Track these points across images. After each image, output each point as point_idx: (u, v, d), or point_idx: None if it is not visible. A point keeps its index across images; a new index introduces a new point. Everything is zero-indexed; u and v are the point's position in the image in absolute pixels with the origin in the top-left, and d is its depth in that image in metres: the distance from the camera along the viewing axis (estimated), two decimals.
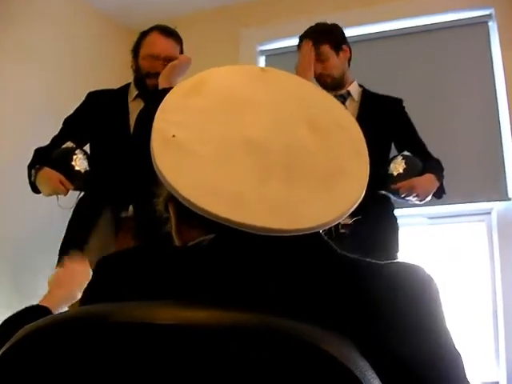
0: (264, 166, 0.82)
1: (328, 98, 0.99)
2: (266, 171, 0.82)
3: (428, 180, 2.71)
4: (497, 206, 3.26)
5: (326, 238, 0.89)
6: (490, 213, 3.29)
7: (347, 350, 0.70)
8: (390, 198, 2.80)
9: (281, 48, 3.72)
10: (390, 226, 2.79)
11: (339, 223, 2.55)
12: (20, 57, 3.27)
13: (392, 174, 2.70)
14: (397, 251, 2.76)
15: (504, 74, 3.28)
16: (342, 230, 2.69)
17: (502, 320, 3.08)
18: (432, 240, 3.40)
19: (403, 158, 2.73)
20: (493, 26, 3.40)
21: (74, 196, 2.69)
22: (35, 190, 2.66)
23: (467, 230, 3.39)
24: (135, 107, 2.70)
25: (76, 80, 3.47)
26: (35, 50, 3.37)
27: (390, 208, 2.83)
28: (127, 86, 2.89)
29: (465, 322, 3.22)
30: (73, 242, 2.58)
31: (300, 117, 0.91)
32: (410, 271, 0.87)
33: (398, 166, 2.70)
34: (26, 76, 3.28)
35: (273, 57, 3.83)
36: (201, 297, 0.78)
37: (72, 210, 2.68)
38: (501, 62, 3.30)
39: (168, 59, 2.70)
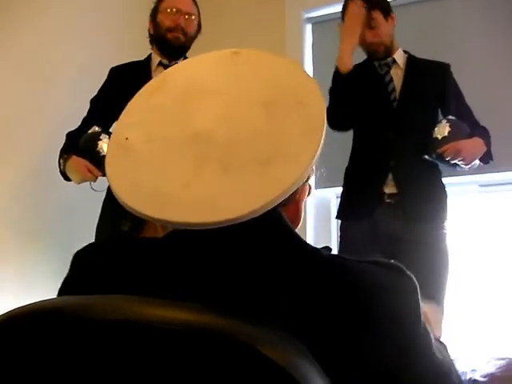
0: (202, 159, 0.83)
1: (298, 74, 0.95)
2: (202, 164, 0.82)
3: (475, 143, 2.65)
4: None
5: (287, 227, 0.88)
6: None
7: (289, 351, 0.70)
8: (437, 165, 2.74)
9: (328, 15, 3.62)
10: (437, 195, 2.73)
11: (384, 193, 2.55)
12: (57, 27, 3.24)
13: (437, 138, 2.64)
14: (444, 220, 2.71)
15: None
16: (388, 200, 2.65)
17: None
18: (483, 208, 3.31)
19: (448, 121, 2.66)
20: None
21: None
22: (66, 178, 2.68)
23: None
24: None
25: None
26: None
27: (437, 176, 2.77)
28: (149, 56, 2.89)
29: None
30: (108, 223, 2.61)
31: (259, 99, 0.89)
32: (390, 274, 0.85)
33: (442, 130, 2.64)
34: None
35: (319, 24, 3.75)
36: (152, 292, 0.78)
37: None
38: None
39: (189, 14, 2.76)
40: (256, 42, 3.83)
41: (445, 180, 3.02)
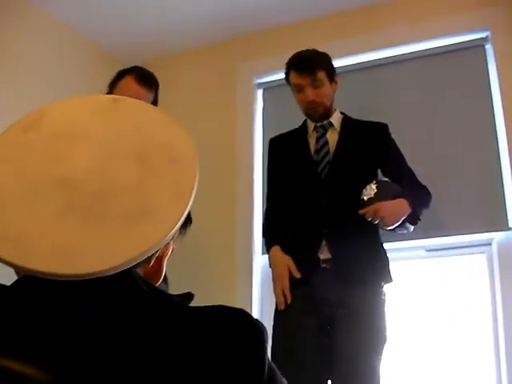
0: (67, 206, 0.81)
1: (172, 128, 0.95)
2: (66, 212, 0.81)
3: (396, 204, 2.63)
4: (497, 237, 3.12)
5: (136, 278, 0.86)
6: (490, 244, 3.16)
7: None
8: (376, 229, 2.72)
9: (279, 80, 3.64)
10: (374, 259, 2.70)
11: (319, 258, 2.54)
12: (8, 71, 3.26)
13: (363, 199, 2.64)
14: (382, 284, 2.67)
15: (501, 98, 3.16)
16: (323, 265, 2.63)
17: (503, 355, 2.94)
18: (431, 273, 3.28)
19: (375, 183, 2.67)
20: (489, 49, 3.30)
21: None
22: None
23: (467, 262, 3.25)
24: None
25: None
26: (23, 68, 3.38)
27: (375, 239, 2.75)
28: None
29: (466, 356, 3.08)
30: None
31: (132, 151, 0.88)
32: (234, 320, 0.85)
33: (369, 191, 2.64)
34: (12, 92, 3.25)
35: (271, 89, 3.79)
36: None
37: None
38: (498, 87, 3.19)
39: None
40: (207, 106, 3.88)
41: (391, 245, 3.02)
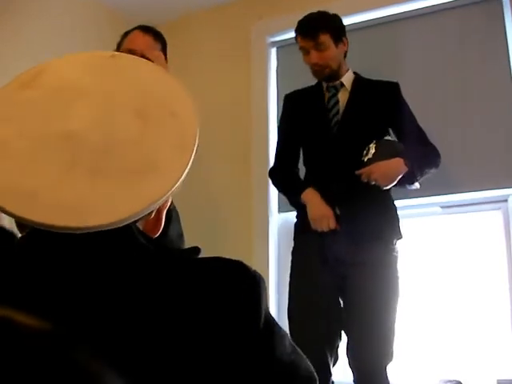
0: (73, 161, 0.81)
1: (170, 84, 0.95)
2: (72, 167, 0.81)
3: (390, 164, 2.63)
4: None
5: (135, 235, 0.87)
6: (506, 200, 3.14)
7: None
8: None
9: (292, 38, 3.62)
10: (384, 216, 2.70)
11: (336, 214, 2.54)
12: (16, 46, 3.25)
13: (363, 160, 2.65)
14: (394, 242, 2.68)
15: None
16: None
17: None
18: (446, 230, 3.28)
19: (375, 143, 2.66)
20: (507, 1, 3.23)
21: None
22: None
23: (483, 219, 3.25)
24: None
25: None
26: (31, 39, 3.36)
27: (385, 197, 2.73)
28: None
29: (480, 316, 3.10)
30: None
31: (132, 106, 0.88)
32: (232, 271, 0.86)
33: (369, 152, 2.65)
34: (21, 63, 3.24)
35: (285, 48, 3.76)
36: None
37: None
38: None
39: (144, 56, 2.62)
40: (221, 66, 3.87)
41: (407, 201, 3.03)
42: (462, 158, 3.11)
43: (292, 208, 3.01)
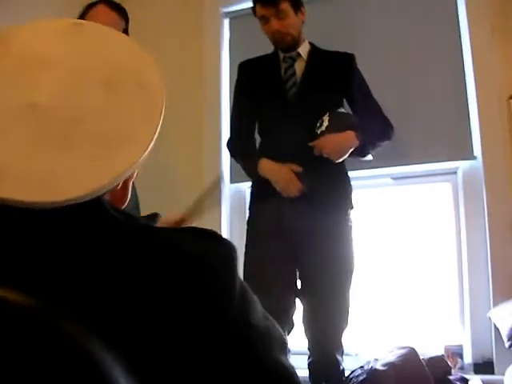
0: (40, 134, 0.79)
1: (138, 54, 0.93)
2: (39, 139, 0.78)
3: (341, 138, 2.64)
4: (462, 166, 3.17)
5: (105, 207, 0.85)
6: (455, 172, 3.21)
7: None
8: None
9: (245, 9, 3.59)
10: (338, 185, 2.71)
11: None
12: None
13: (316, 132, 2.65)
14: (348, 211, 2.70)
15: (469, 30, 3.16)
16: None
17: (466, 282, 3.03)
18: (397, 201, 3.33)
19: (328, 116, 2.66)
20: None
21: None
22: None
23: (433, 191, 3.32)
24: None
25: None
26: None
27: (338, 167, 2.72)
28: None
29: (430, 284, 3.17)
30: None
31: (99, 76, 0.86)
32: (204, 241, 0.85)
33: (322, 124, 2.65)
34: None
35: (237, 19, 3.74)
36: None
37: None
38: (466, 19, 3.19)
39: None
40: (173, 36, 3.82)
41: (359, 172, 3.06)
42: (413, 130, 3.15)
43: (243, 178, 3.01)
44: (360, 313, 3.03)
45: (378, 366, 2.52)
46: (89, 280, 0.76)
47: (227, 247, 0.85)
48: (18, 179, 0.76)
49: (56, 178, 0.76)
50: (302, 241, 2.59)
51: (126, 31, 2.72)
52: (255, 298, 0.89)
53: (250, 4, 2.86)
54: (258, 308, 0.88)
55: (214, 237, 0.86)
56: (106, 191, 0.81)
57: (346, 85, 2.78)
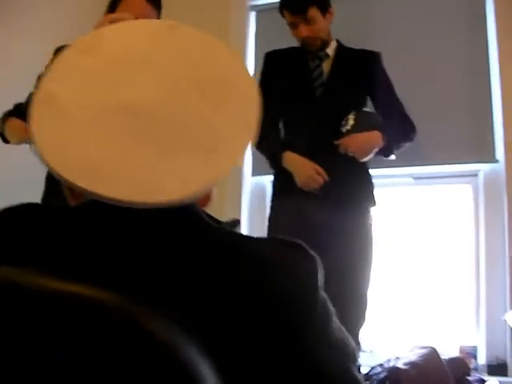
0: (140, 134, 0.80)
1: (235, 63, 0.93)
2: (140, 140, 0.79)
3: (368, 137, 2.67)
4: (484, 168, 3.18)
5: (198, 212, 0.87)
6: (476, 175, 3.22)
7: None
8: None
9: (272, 3, 3.59)
10: (359, 183, 2.75)
11: None
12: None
13: (341, 131, 2.67)
14: (368, 209, 2.73)
15: (496, 33, 3.16)
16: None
17: (483, 284, 3.04)
18: (417, 201, 3.35)
19: (354, 114, 2.68)
20: None
21: None
22: (4, 140, 2.63)
23: (453, 192, 3.33)
24: None
25: None
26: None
27: (361, 165, 2.74)
28: None
29: (447, 284, 3.18)
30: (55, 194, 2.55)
31: (194, 82, 0.86)
32: (290, 252, 0.86)
33: (348, 123, 2.66)
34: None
35: (263, 12, 3.74)
36: (52, 263, 0.77)
37: None
38: (494, 22, 3.18)
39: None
40: (199, 28, 3.78)
41: (381, 171, 3.07)
42: (436, 131, 3.15)
43: (265, 172, 3.03)
44: (376, 310, 3.05)
45: (400, 365, 2.55)
46: (183, 281, 0.78)
47: (313, 258, 0.86)
48: (117, 178, 0.77)
49: (158, 180, 0.78)
50: (323, 237, 2.61)
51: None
52: (333, 309, 0.90)
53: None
54: (335, 320, 0.89)
55: (300, 248, 0.87)
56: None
57: (370, 83, 2.80)
